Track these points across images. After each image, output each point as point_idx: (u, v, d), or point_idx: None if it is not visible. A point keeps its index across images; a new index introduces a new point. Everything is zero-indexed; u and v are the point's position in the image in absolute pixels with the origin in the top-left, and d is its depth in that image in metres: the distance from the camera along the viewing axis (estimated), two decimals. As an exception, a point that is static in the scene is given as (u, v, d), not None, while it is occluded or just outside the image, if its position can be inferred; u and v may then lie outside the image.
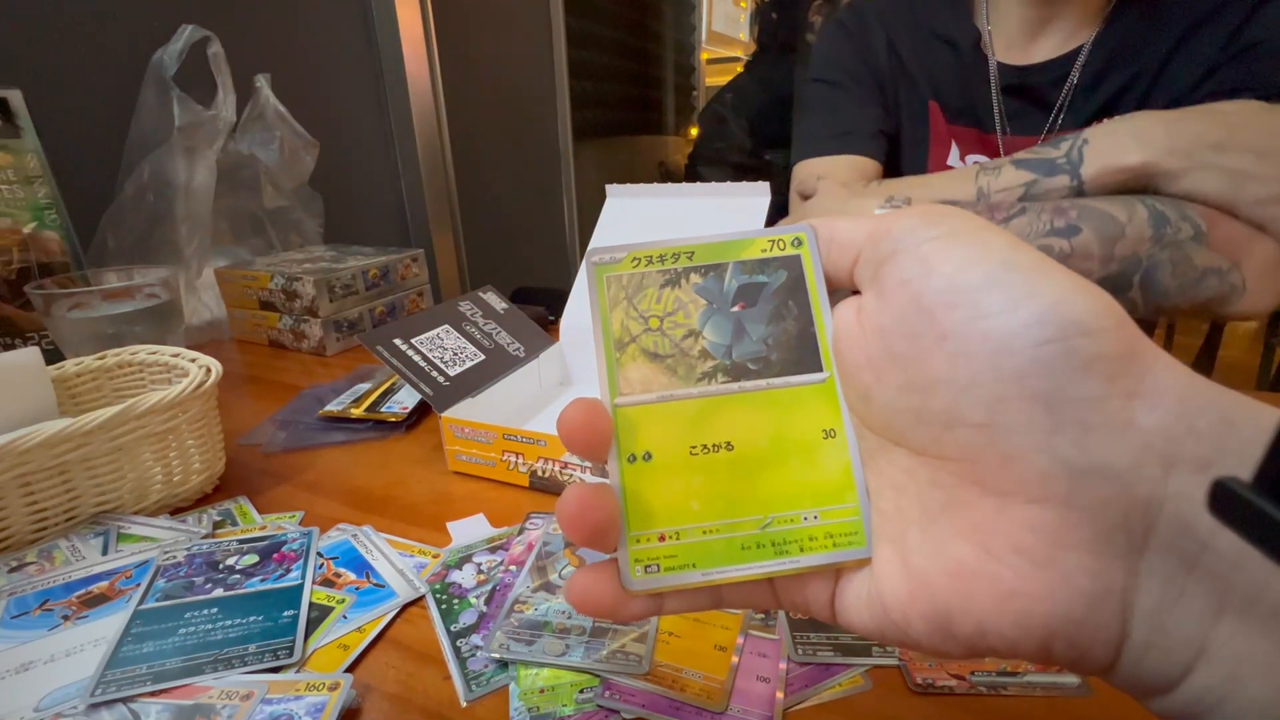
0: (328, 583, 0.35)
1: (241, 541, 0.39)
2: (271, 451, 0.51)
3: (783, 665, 0.29)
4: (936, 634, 0.16)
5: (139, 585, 0.35)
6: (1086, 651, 0.15)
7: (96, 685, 0.28)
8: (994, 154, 0.69)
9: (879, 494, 0.18)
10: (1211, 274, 0.50)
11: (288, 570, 0.36)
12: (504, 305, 0.59)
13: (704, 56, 2.89)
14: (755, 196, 0.57)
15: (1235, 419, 0.14)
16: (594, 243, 0.62)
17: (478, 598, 0.34)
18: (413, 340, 0.49)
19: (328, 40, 1.10)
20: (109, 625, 0.32)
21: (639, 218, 0.61)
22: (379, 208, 1.25)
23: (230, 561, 0.37)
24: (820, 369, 0.19)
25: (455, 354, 0.50)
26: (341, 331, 0.74)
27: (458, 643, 0.31)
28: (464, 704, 0.28)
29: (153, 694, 0.28)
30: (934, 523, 0.17)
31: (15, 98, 0.62)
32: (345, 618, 0.33)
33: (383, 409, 0.55)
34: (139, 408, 0.39)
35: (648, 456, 0.19)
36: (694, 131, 2.63)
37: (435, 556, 0.38)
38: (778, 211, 0.61)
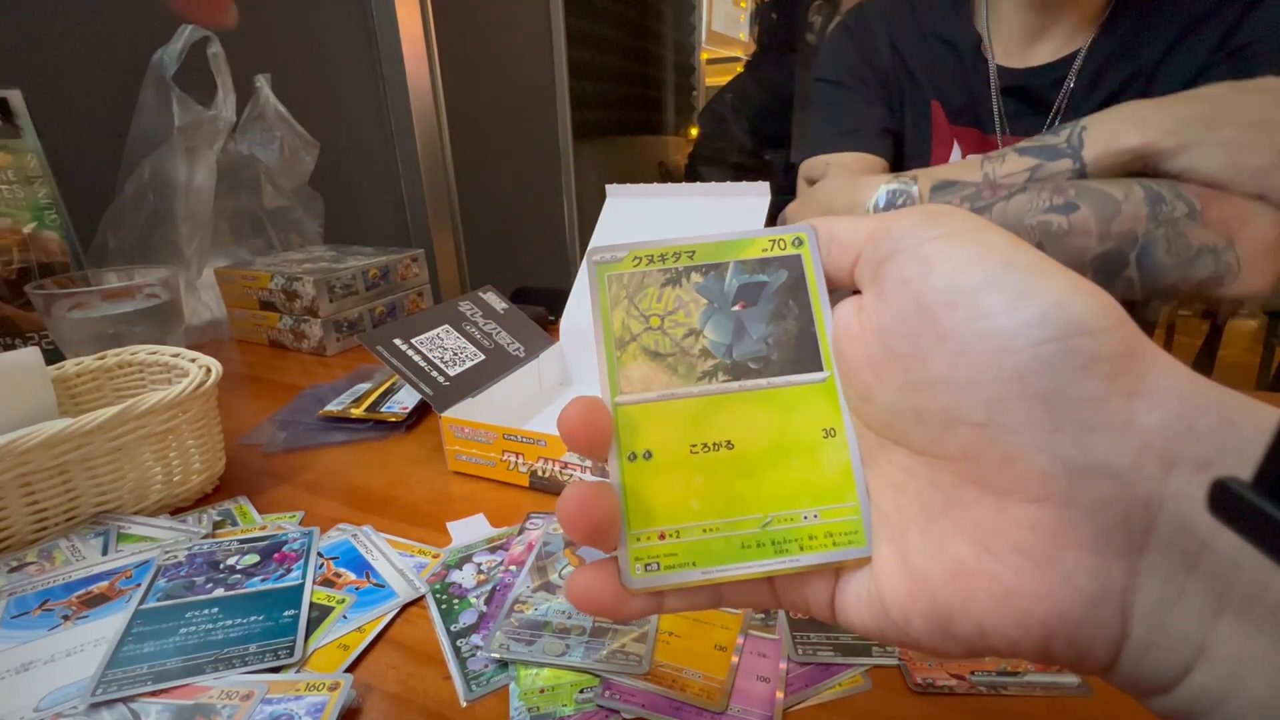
0: (328, 583, 0.35)
1: (242, 541, 0.39)
2: (271, 451, 0.51)
3: (783, 665, 0.29)
4: (936, 633, 0.16)
5: (139, 585, 0.35)
6: (1086, 651, 0.15)
7: (97, 685, 0.28)
8: None
9: (879, 493, 0.18)
10: (1206, 252, 0.51)
11: (288, 570, 0.36)
12: (504, 305, 0.59)
13: (704, 56, 2.89)
14: (755, 196, 0.57)
15: (1235, 419, 0.14)
16: (594, 242, 0.62)
17: (478, 598, 0.34)
18: (413, 340, 0.49)
19: (328, 40, 1.10)
20: (109, 625, 0.32)
21: (639, 217, 0.61)
22: (379, 208, 1.25)
23: (231, 561, 0.37)
24: (820, 368, 0.19)
25: (455, 354, 0.50)
26: (341, 331, 0.74)
27: (458, 643, 0.31)
28: (464, 704, 0.28)
29: (153, 694, 0.28)
30: (934, 522, 0.17)
31: (15, 98, 0.62)
32: (345, 618, 0.33)
33: (383, 409, 0.55)
34: (139, 408, 0.39)
35: (648, 455, 0.19)
36: (694, 131, 2.63)
37: (435, 556, 0.38)
38: (778, 211, 0.61)
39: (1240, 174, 0.50)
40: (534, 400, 0.56)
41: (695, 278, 0.20)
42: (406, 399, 0.57)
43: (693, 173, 2.11)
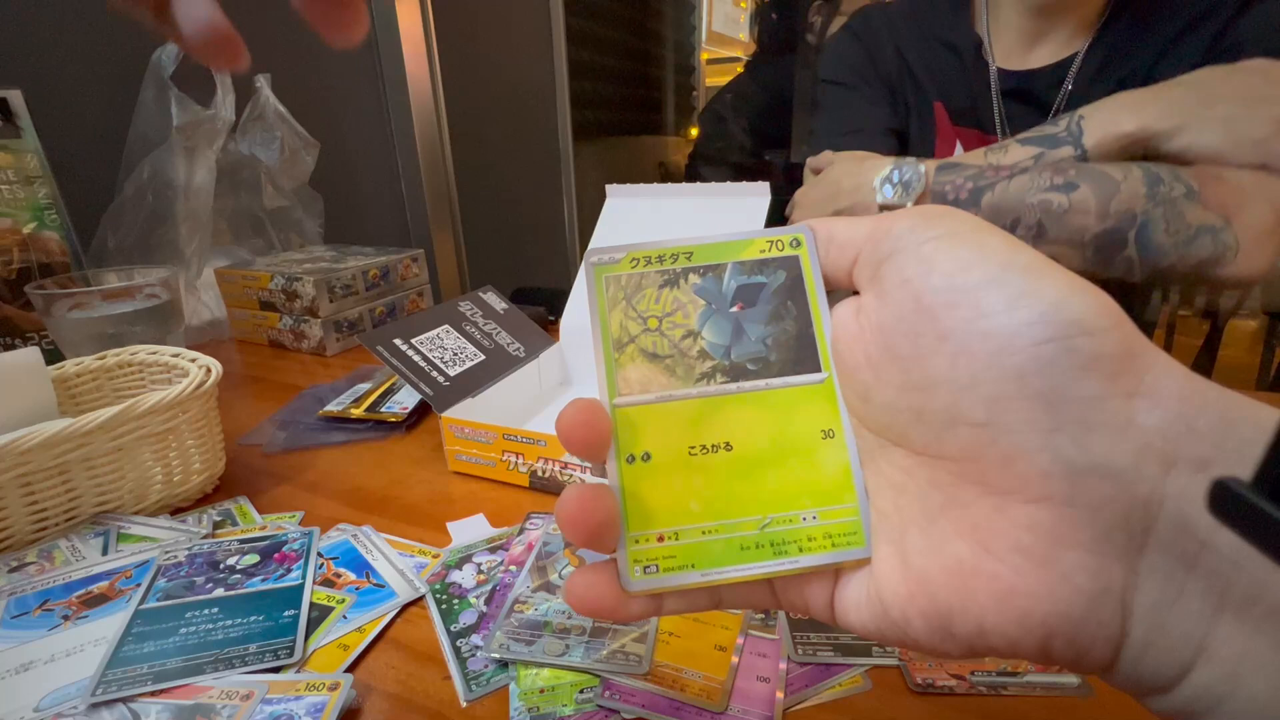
0: (328, 583, 0.35)
1: (242, 541, 0.39)
2: (272, 451, 0.51)
3: (783, 665, 0.29)
4: (936, 633, 0.16)
5: (139, 585, 0.35)
6: (1086, 650, 0.15)
7: (97, 685, 0.28)
8: None
9: (878, 494, 0.18)
10: (1205, 232, 0.52)
11: (288, 570, 0.36)
12: (504, 305, 0.59)
13: (704, 56, 2.88)
14: (755, 196, 0.57)
15: (1235, 419, 0.14)
16: (594, 243, 0.62)
17: (478, 598, 0.34)
18: (413, 340, 0.49)
19: (328, 40, 1.10)
20: (109, 625, 0.32)
21: (639, 218, 0.61)
22: (379, 208, 1.25)
23: (231, 561, 0.37)
24: (819, 369, 0.19)
25: (455, 354, 0.50)
26: (341, 331, 0.74)
27: (458, 643, 0.31)
28: (464, 704, 0.28)
29: (153, 694, 0.28)
30: (933, 522, 0.17)
31: (15, 98, 0.62)
32: (345, 618, 0.33)
33: (383, 409, 0.55)
34: (139, 408, 0.39)
35: (647, 457, 0.19)
36: (694, 132, 2.63)
37: (435, 556, 0.38)
38: (779, 211, 0.61)
39: (1240, 146, 0.51)
40: (534, 400, 0.56)
41: (693, 279, 0.20)
42: (406, 399, 0.57)
43: (693, 173, 2.11)
